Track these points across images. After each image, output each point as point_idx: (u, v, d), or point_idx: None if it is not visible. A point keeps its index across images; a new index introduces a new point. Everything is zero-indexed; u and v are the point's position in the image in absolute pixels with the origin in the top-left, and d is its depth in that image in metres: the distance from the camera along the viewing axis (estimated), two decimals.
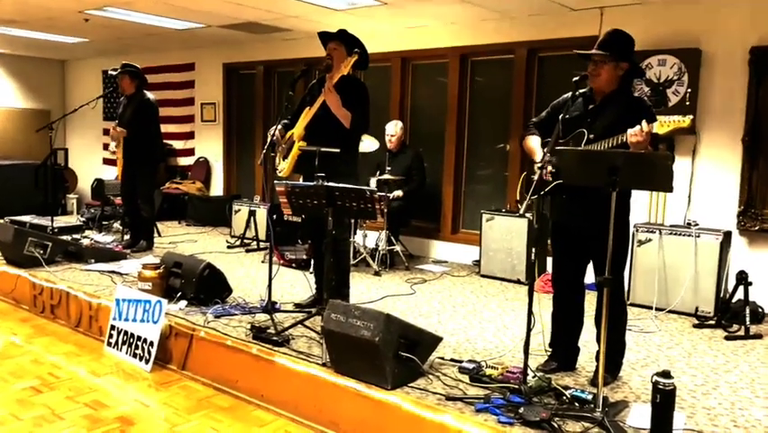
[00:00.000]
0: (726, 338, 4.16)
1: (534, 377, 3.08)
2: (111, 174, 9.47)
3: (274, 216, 6.16)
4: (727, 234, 4.72)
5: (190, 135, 9.39)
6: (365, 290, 5.16)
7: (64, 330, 4.69)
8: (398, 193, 6.16)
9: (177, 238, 7.30)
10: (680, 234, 4.72)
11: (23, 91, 10.76)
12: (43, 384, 3.68)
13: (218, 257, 6.04)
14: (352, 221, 5.61)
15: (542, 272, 5.51)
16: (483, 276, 5.81)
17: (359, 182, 4.09)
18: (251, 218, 7.00)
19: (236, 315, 4.18)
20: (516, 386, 2.98)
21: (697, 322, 4.46)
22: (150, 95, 6.35)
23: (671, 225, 4.87)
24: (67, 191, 10.14)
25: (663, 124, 2.81)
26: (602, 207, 2.99)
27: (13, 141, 10.45)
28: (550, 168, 2.99)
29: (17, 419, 3.24)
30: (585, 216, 3.18)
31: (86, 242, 6.25)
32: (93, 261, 5.61)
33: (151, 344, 3.94)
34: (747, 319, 4.21)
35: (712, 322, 4.43)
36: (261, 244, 6.84)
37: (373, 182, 6.06)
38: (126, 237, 6.63)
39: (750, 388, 3.31)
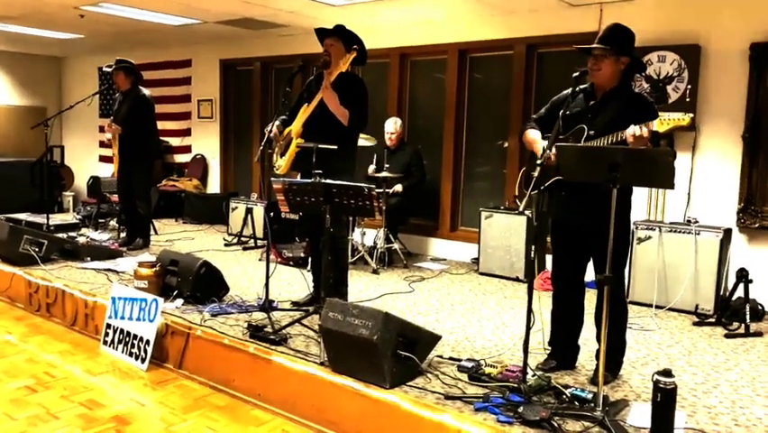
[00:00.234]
0: (727, 336, 4.13)
1: (533, 376, 3.05)
2: (107, 171, 9.42)
3: (271, 214, 6.14)
4: (728, 232, 4.69)
5: (187, 132, 9.34)
6: (363, 288, 5.13)
7: (59, 329, 4.65)
8: (398, 188, 6.12)
9: (173, 236, 7.25)
10: (679, 232, 4.69)
11: (19, 88, 10.70)
12: (38, 383, 3.65)
13: (215, 255, 6.01)
14: (350, 219, 5.58)
15: (541, 270, 5.49)
16: (482, 274, 5.78)
17: (356, 180, 4.05)
18: (249, 216, 6.96)
19: (233, 313, 4.15)
20: (516, 385, 2.95)
21: (697, 320, 4.44)
22: (145, 91, 6.29)
23: (670, 223, 4.84)
24: (63, 189, 10.08)
25: (663, 122, 2.78)
26: (602, 204, 2.96)
27: (8, 138, 10.38)
28: (553, 155, 2.95)
29: (11, 418, 3.21)
30: (585, 213, 3.15)
31: (82, 240, 6.20)
32: (89, 259, 5.57)
33: (147, 342, 3.90)
34: (747, 317, 4.18)
35: (712, 320, 4.41)
36: (259, 241, 6.80)
37: (370, 170, 6.05)
38: (122, 235, 6.59)
39: (751, 386, 3.29)
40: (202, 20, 7.04)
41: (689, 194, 5.11)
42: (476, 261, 5.99)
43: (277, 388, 3.39)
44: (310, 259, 5.44)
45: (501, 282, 5.53)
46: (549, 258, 3.48)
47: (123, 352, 4.04)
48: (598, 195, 3.02)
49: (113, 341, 4.13)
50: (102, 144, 10.15)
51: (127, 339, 4.03)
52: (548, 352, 3.45)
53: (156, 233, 7.13)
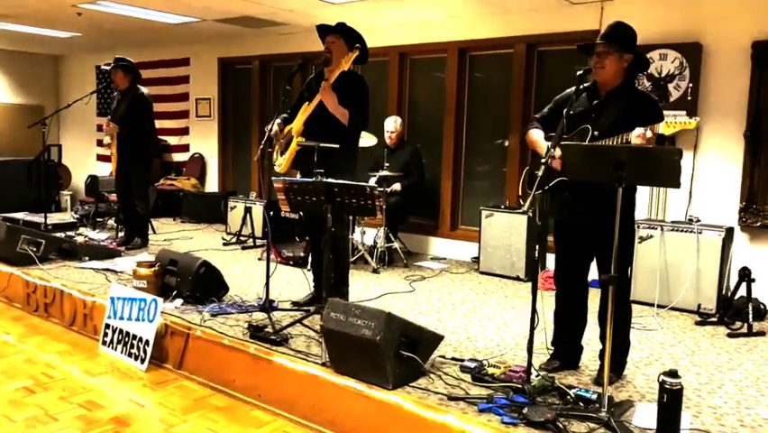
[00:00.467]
0: (729, 336, 4.12)
1: (537, 376, 3.02)
2: (105, 171, 9.38)
3: (271, 213, 6.10)
4: (729, 231, 4.67)
5: (185, 131, 9.30)
6: (364, 287, 5.10)
7: (58, 329, 4.62)
8: (396, 186, 6.08)
9: (171, 235, 7.22)
10: (681, 231, 4.67)
11: (16, 86, 10.64)
12: (36, 384, 3.61)
13: (214, 254, 5.97)
14: (350, 218, 5.54)
15: (542, 269, 5.47)
16: (482, 273, 5.76)
17: (357, 179, 4.03)
18: (248, 215, 6.92)
19: (233, 313, 4.11)
20: (520, 386, 2.92)
21: (699, 319, 4.42)
22: (144, 89, 6.25)
23: (672, 222, 4.82)
24: (60, 188, 10.03)
25: (669, 125, 2.76)
26: (606, 204, 2.93)
27: (5, 137, 10.33)
28: (558, 155, 2.93)
29: (9, 420, 3.17)
30: (588, 212, 3.13)
31: (80, 239, 6.16)
32: (87, 258, 5.53)
33: (147, 343, 3.87)
34: (750, 317, 4.17)
35: (714, 319, 4.39)
36: (257, 241, 6.77)
37: (372, 181, 6.00)
38: (121, 234, 6.55)
39: (755, 386, 3.27)
40: (201, 18, 7.00)
41: (690, 193, 5.09)
42: (476, 260, 5.97)
43: (278, 389, 3.36)
44: (310, 258, 5.42)
45: (502, 282, 5.51)
46: (550, 258, 3.47)
47: (122, 352, 4.00)
48: (601, 194, 2.99)
49: (112, 341, 4.09)
50: (99, 143, 10.09)
51: (126, 339, 3.99)
52: (551, 352, 3.42)
53: (154, 232, 7.09)
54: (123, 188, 6.34)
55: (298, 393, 3.27)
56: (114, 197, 7.04)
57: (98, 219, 7.52)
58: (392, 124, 6.35)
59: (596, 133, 3.03)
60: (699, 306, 4.52)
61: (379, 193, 3.37)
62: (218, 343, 3.68)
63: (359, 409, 3.03)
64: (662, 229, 4.74)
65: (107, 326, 4.15)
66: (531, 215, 5.14)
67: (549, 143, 3.00)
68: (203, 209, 8.32)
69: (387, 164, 6.02)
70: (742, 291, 4.36)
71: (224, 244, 6.79)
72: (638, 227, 4.81)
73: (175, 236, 7.15)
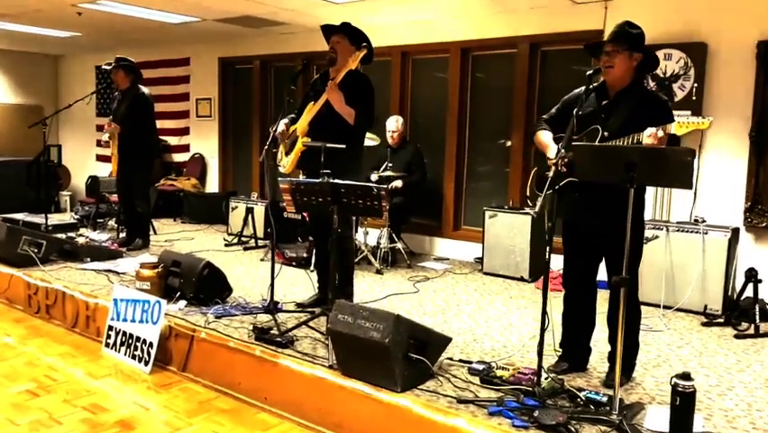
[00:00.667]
0: (736, 337, 4.10)
1: (546, 379, 3.00)
2: (104, 171, 9.33)
3: (272, 213, 6.07)
4: (735, 231, 4.65)
5: (185, 131, 9.26)
6: (368, 288, 5.07)
7: (59, 331, 4.58)
8: (398, 183, 6.03)
9: (172, 236, 7.18)
10: (687, 231, 4.65)
11: (15, 86, 10.59)
12: (39, 387, 3.58)
13: (216, 255, 5.93)
14: (353, 218, 5.51)
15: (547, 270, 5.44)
16: (486, 273, 5.73)
17: (362, 179, 4.00)
18: (249, 215, 6.89)
19: (237, 315, 4.08)
20: (530, 388, 2.90)
21: (705, 320, 4.40)
22: (145, 89, 6.21)
23: (677, 222, 4.79)
24: (59, 188, 9.98)
25: (682, 125, 2.73)
26: (615, 204, 2.92)
27: (3, 137, 10.27)
28: (566, 159, 2.90)
29: (13, 423, 3.14)
30: (597, 213, 3.11)
31: (81, 240, 6.12)
32: (89, 259, 5.49)
33: (151, 345, 3.84)
34: (757, 318, 4.15)
35: (721, 320, 4.37)
36: (259, 241, 6.74)
37: (374, 178, 5.97)
38: (122, 235, 6.51)
39: (765, 388, 3.25)
40: (202, 18, 6.96)
41: (695, 193, 5.07)
42: (479, 260, 5.94)
43: (284, 391, 3.33)
44: (313, 259, 5.39)
45: (506, 282, 5.48)
46: (553, 258, 3.41)
47: (125, 354, 3.97)
48: (611, 194, 2.98)
49: (115, 343, 4.06)
50: (99, 143, 10.03)
51: (130, 341, 3.96)
52: (559, 354, 3.40)
53: (155, 233, 7.05)
54: (123, 188, 6.30)
55: (305, 396, 3.24)
56: (114, 197, 7.00)
57: (99, 220, 7.47)
58: (394, 124, 6.32)
59: (606, 133, 3.01)
60: (706, 307, 4.49)
61: (386, 194, 3.34)
62: (223, 345, 3.64)
63: (367, 412, 3.01)
64: (667, 230, 4.72)
65: (110, 327, 4.11)
66: (535, 215, 5.11)
67: (560, 144, 2.97)
68: (203, 210, 8.28)
69: (390, 164, 5.98)
70: (748, 292, 4.33)
71: (226, 245, 6.75)
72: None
73: (176, 237, 7.11)
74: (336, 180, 3.39)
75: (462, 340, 3.82)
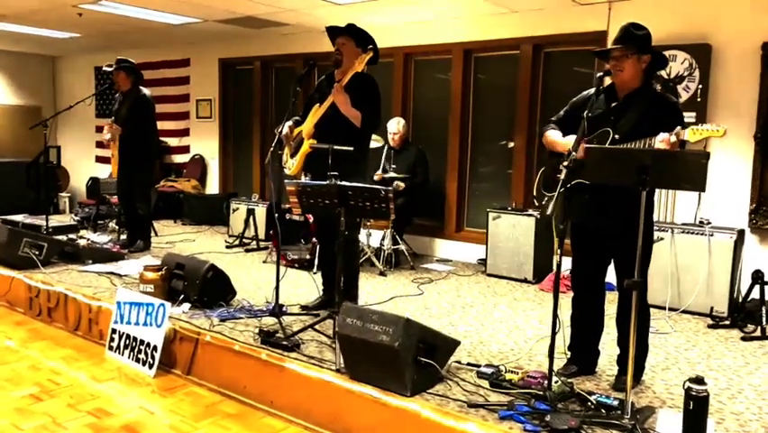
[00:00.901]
0: (743, 339, 4.08)
1: (555, 382, 2.97)
2: (104, 172, 9.29)
3: (276, 216, 6.03)
4: (741, 233, 4.64)
5: (185, 132, 9.23)
6: (372, 290, 5.04)
7: (62, 334, 4.54)
8: (400, 184, 6.00)
9: (173, 238, 7.15)
10: (692, 233, 4.64)
11: (13, 87, 10.54)
12: (43, 391, 3.54)
13: (217, 257, 5.90)
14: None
15: (549, 272, 5.42)
16: (489, 275, 5.71)
17: (367, 181, 3.98)
18: (250, 217, 6.86)
19: (242, 318, 4.05)
20: (540, 392, 2.87)
21: (711, 322, 4.38)
22: (146, 91, 6.19)
23: (683, 224, 4.78)
24: (58, 190, 9.94)
25: (696, 132, 2.71)
26: (625, 206, 2.91)
27: (1, 138, 10.22)
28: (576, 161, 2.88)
29: (18, 428, 3.10)
30: (607, 214, 3.09)
31: (82, 242, 6.08)
32: (90, 262, 5.46)
33: (155, 348, 3.80)
34: (764, 320, 4.13)
35: (727, 322, 4.35)
36: (261, 243, 6.70)
37: (375, 179, 5.94)
38: (122, 237, 6.48)
39: None
40: (203, 18, 6.93)
41: (699, 195, 5.05)
42: (482, 262, 5.93)
43: (290, 395, 3.31)
44: (316, 261, 5.36)
45: (510, 284, 5.46)
46: (555, 260, 3.38)
47: (129, 357, 3.94)
48: (621, 196, 2.96)
49: (118, 346, 4.02)
50: (99, 145, 10.00)
51: (134, 345, 3.93)
52: (568, 357, 3.37)
53: (156, 234, 7.01)
54: (124, 190, 6.27)
55: (312, 400, 3.21)
56: (115, 199, 6.96)
57: (99, 222, 7.43)
58: (395, 126, 6.30)
59: (617, 136, 2.99)
60: (712, 309, 4.48)
61: (392, 196, 3.32)
62: (229, 348, 3.61)
63: (375, 417, 2.98)
64: (672, 232, 4.70)
65: (114, 331, 4.08)
66: (546, 217, 5.07)
67: (570, 147, 2.95)
68: (204, 211, 8.25)
69: (393, 165, 5.96)
70: (754, 294, 4.32)
71: (227, 247, 6.72)
72: None
73: (177, 239, 7.08)
74: (344, 183, 3.36)
75: (470, 343, 3.80)
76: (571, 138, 3.07)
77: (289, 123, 4.05)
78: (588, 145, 2.83)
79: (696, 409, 2.50)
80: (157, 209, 8.13)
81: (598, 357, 3.40)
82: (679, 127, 2.76)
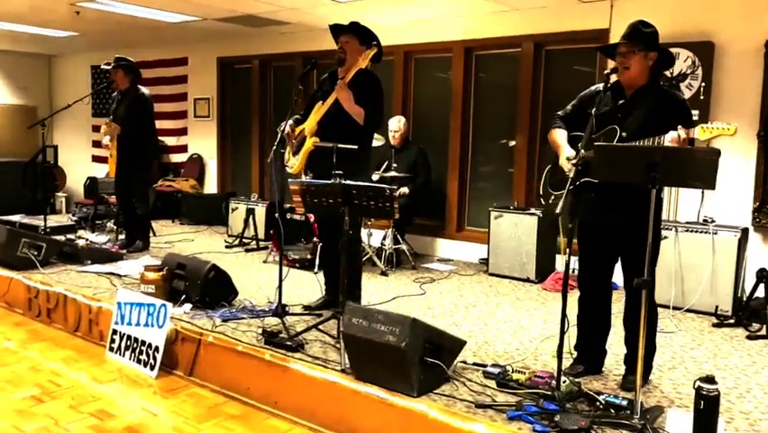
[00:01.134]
0: (749, 338, 4.06)
1: (564, 382, 2.95)
2: (100, 172, 9.23)
3: (276, 215, 6.00)
4: (744, 231, 4.62)
5: (183, 132, 9.18)
6: (374, 290, 5.01)
7: (61, 335, 4.50)
8: (404, 190, 5.99)
9: (172, 238, 7.10)
10: (696, 232, 4.62)
11: (8, 87, 10.47)
12: (44, 393, 3.50)
13: (217, 257, 5.84)
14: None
15: (552, 271, 5.40)
16: (491, 274, 5.68)
17: (369, 180, 3.95)
18: (250, 217, 6.82)
19: (244, 319, 4.01)
20: (548, 392, 2.85)
21: (716, 321, 4.37)
22: (144, 90, 6.14)
23: (687, 222, 4.76)
24: (55, 190, 9.88)
25: (706, 130, 2.69)
26: (633, 203, 2.89)
27: None
28: (584, 158, 2.86)
29: (20, 430, 3.06)
30: (615, 213, 3.06)
31: (81, 242, 6.03)
32: (89, 262, 5.41)
33: (157, 349, 3.76)
34: None
35: (731, 321, 4.34)
36: (261, 243, 6.66)
37: (375, 178, 5.91)
38: (121, 237, 6.43)
39: None
40: (202, 17, 6.88)
41: (702, 193, 5.03)
42: (484, 261, 5.90)
43: (294, 396, 3.27)
44: (317, 261, 5.33)
45: (512, 283, 5.43)
46: (556, 259, 3.37)
47: (130, 358, 3.90)
48: (628, 194, 2.94)
49: (119, 347, 3.98)
50: (95, 144, 9.94)
51: (135, 346, 3.89)
52: (574, 357, 3.35)
53: (154, 234, 6.96)
54: (122, 189, 6.23)
55: (317, 401, 3.18)
56: (113, 199, 6.91)
57: (97, 222, 7.38)
58: (396, 124, 6.27)
59: (624, 134, 2.96)
60: (717, 307, 4.46)
61: (397, 195, 3.29)
62: (232, 349, 3.58)
63: (381, 418, 2.95)
64: (676, 230, 4.68)
65: (114, 331, 4.04)
66: (546, 215, 5.04)
67: (579, 144, 2.92)
68: (202, 211, 8.20)
69: (394, 164, 5.93)
70: (758, 293, 4.31)
71: (227, 247, 6.68)
72: None
73: (176, 239, 7.03)
74: (348, 182, 3.33)
75: (474, 342, 3.77)
76: (565, 142, 3.05)
77: (290, 121, 4.02)
78: (598, 144, 2.80)
79: (707, 409, 2.48)
80: (155, 209, 8.07)
81: (604, 357, 3.37)
82: (681, 128, 2.73)
